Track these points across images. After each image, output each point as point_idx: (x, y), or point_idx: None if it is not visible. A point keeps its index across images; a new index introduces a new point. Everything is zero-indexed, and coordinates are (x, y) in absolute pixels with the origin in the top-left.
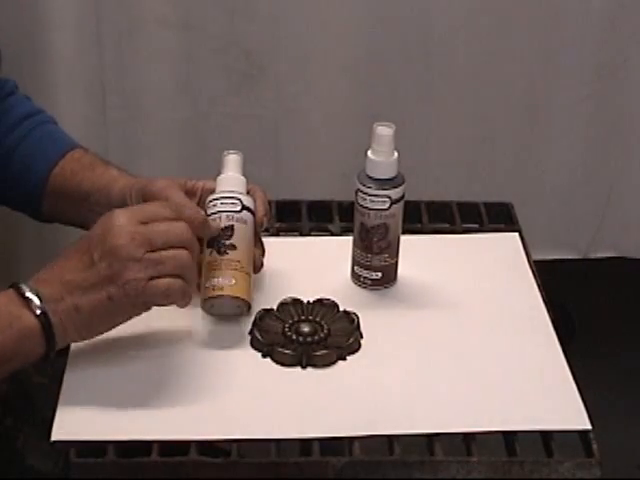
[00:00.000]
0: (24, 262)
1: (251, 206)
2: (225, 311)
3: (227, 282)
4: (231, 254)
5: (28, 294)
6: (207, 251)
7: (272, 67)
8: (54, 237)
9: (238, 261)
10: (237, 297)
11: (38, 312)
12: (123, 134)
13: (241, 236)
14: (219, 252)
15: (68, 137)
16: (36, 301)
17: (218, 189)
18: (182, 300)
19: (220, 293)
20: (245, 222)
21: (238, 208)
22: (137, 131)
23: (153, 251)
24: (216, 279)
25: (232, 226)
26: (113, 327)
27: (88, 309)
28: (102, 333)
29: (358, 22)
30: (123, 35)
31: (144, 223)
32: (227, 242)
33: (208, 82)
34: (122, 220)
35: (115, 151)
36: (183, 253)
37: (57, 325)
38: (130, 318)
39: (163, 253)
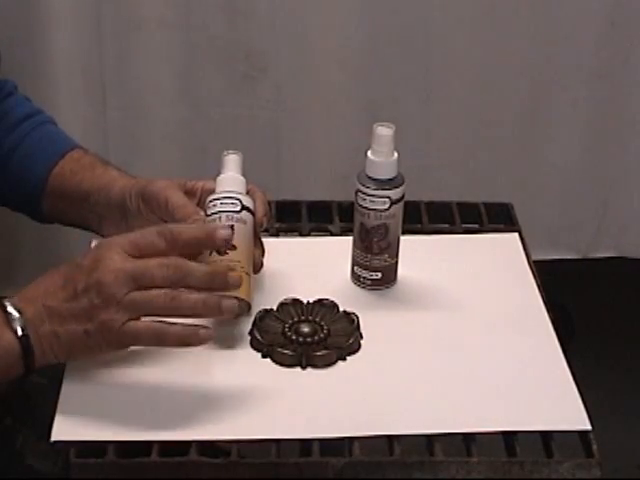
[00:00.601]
0: (24, 262)
1: (251, 206)
2: None
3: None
4: (231, 254)
5: (11, 313)
6: (207, 251)
7: (272, 67)
8: (54, 237)
9: (238, 261)
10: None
11: (20, 333)
12: (123, 134)
13: (241, 236)
14: (219, 252)
15: (68, 137)
16: (19, 322)
17: (218, 189)
18: (160, 343)
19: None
20: (245, 222)
21: (238, 208)
22: (137, 131)
23: (139, 288)
24: None
25: (232, 226)
26: (92, 357)
27: (65, 338)
28: (81, 360)
29: (358, 22)
30: (123, 35)
31: (136, 256)
32: None
33: (208, 82)
34: (112, 254)
35: (115, 151)
36: (166, 294)
37: (37, 347)
38: (107, 353)
39: (147, 294)
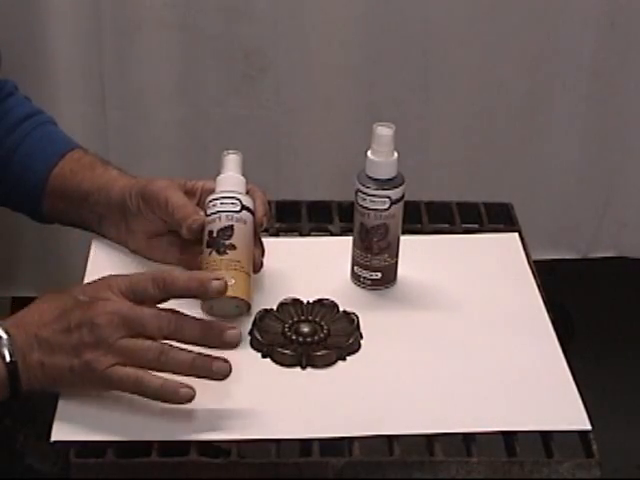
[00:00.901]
0: (24, 262)
1: (251, 206)
2: (225, 311)
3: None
4: (231, 254)
5: (2, 337)
6: (207, 251)
7: (272, 67)
8: (54, 237)
9: (238, 261)
10: (237, 297)
11: (8, 359)
12: (123, 134)
13: (241, 236)
14: (219, 252)
15: (68, 138)
16: (8, 348)
17: (218, 189)
18: (139, 394)
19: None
20: (245, 222)
21: (238, 208)
22: (137, 131)
23: (132, 335)
24: None
25: (232, 226)
26: (76, 392)
27: (50, 370)
28: (67, 391)
29: (358, 22)
30: (123, 35)
31: (131, 300)
32: (227, 242)
33: (208, 82)
34: (110, 295)
35: (115, 151)
36: (157, 348)
37: (23, 374)
38: (88, 392)
39: (138, 344)
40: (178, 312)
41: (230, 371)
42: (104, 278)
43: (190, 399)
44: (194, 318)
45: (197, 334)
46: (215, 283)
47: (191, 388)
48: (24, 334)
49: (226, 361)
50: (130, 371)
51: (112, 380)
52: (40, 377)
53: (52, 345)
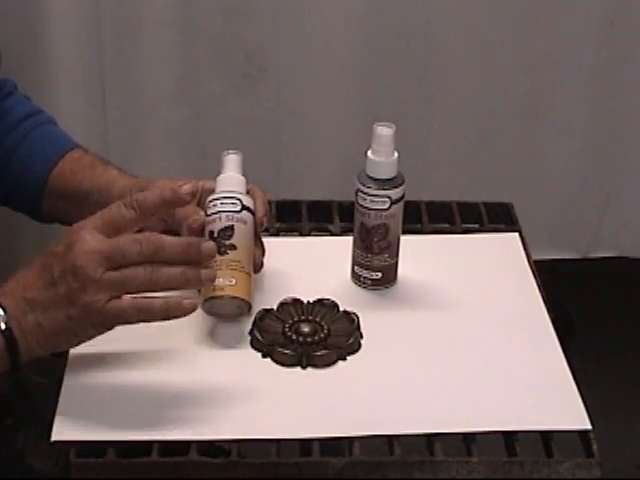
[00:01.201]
0: (24, 262)
1: (251, 206)
2: (225, 311)
3: (227, 282)
4: (231, 254)
5: None
6: None
7: (272, 67)
8: (54, 237)
9: (238, 261)
10: (237, 297)
11: (3, 327)
12: (123, 134)
13: (241, 236)
14: (219, 252)
15: (68, 137)
16: (1, 317)
17: (218, 189)
18: (145, 319)
19: (221, 293)
20: (245, 222)
21: (238, 208)
22: (137, 131)
23: (115, 268)
24: (216, 279)
25: (232, 226)
26: (78, 344)
27: (49, 327)
28: (67, 348)
29: (358, 22)
30: (123, 35)
31: (109, 233)
32: (227, 242)
33: (208, 82)
34: (84, 235)
35: (115, 151)
36: (145, 269)
37: (21, 341)
38: (94, 337)
39: (124, 271)
40: (154, 233)
41: (215, 277)
42: (76, 224)
43: (194, 308)
44: (171, 236)
45: (178, 249)
46: (186, 187)
47: (192, 298)
48: (13, 301)
49: (209, 268)
50: (130, 300)
51: (114, 314)
52: (40, 339)
53: (43, 303)
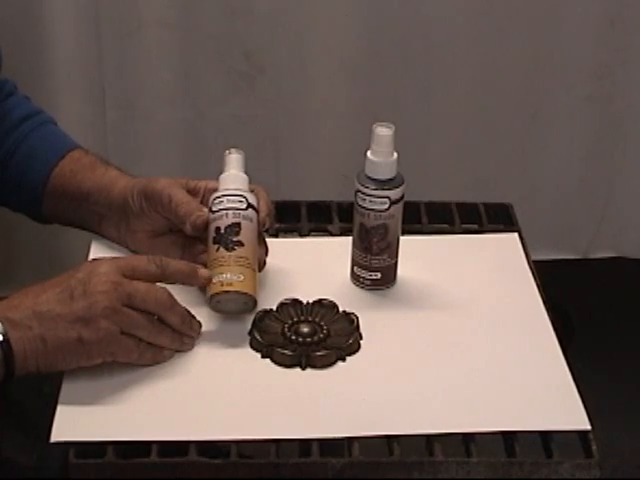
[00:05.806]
0: (24, 263)
1: (255, 204)
2: (231, 307)
3: (236, 278)
4: (238, 250)
5: None
6: (213, 247)
7: (272, 67)
8: (54, 238)
9: (245, 257)
10: (246, 293)
11: (0, 338)
12: (123, 134)
13: (248, 233)
14: (227, 248)
15: (68, 138)
16: (1, 328)
17: (222, 187)
18: (142, 361)
19: (229, 289)
20: (251, 220)
21: (244, 206)
22: (137, 131)
23: (130, 307)
24: (224, 275)
25: (239, 223)
26: (73, 367)
27: (55, 344)
28: (61, 370)
29: (358, 22)
30: (123, 35)
31: (127, 276)
32: (235, 239)
33: (208, 82)
34: (106, 268)
35: (115, 151)
36: (152, 322)
37: (19, 353)
38: (92, 363)
39: (137, 315)
40: (166, 290)
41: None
42: (91, 262)
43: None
44: (180, 306)
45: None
46: (203, 272)
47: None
48: (20, 313)
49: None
50: (137, 341)
51: (128, 348)
52: (40, 354)
53: (55, 319)
